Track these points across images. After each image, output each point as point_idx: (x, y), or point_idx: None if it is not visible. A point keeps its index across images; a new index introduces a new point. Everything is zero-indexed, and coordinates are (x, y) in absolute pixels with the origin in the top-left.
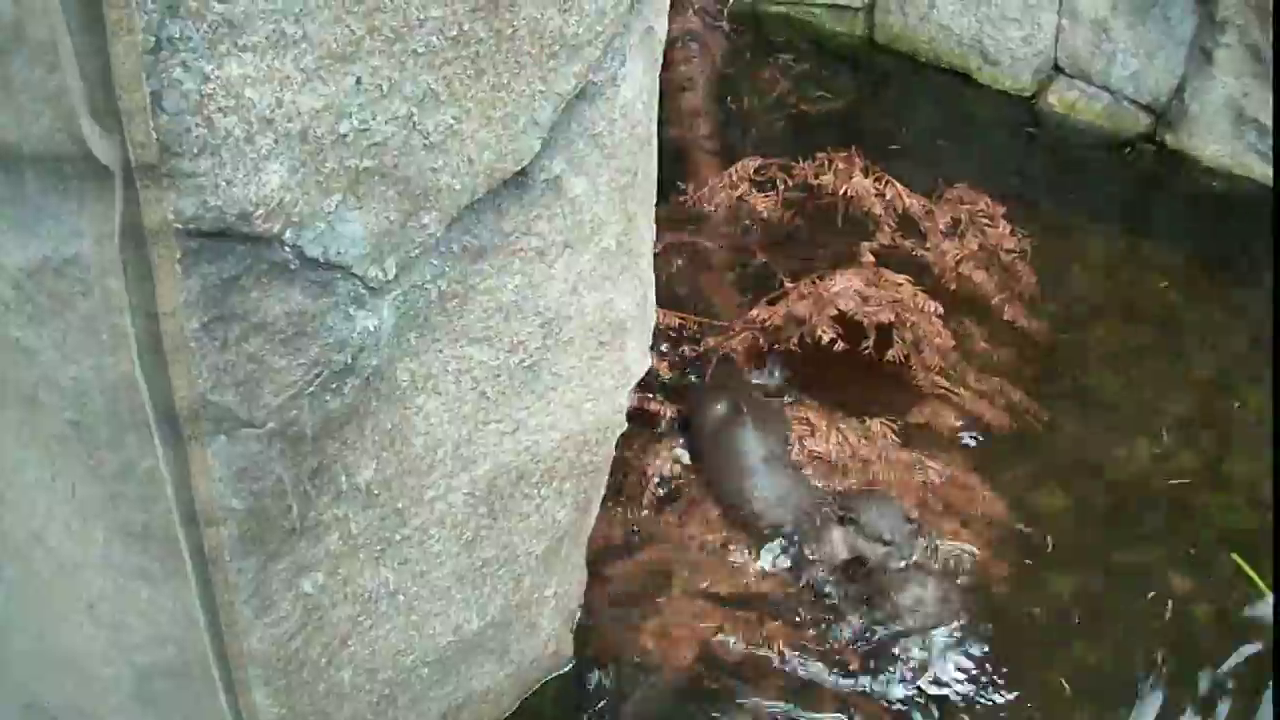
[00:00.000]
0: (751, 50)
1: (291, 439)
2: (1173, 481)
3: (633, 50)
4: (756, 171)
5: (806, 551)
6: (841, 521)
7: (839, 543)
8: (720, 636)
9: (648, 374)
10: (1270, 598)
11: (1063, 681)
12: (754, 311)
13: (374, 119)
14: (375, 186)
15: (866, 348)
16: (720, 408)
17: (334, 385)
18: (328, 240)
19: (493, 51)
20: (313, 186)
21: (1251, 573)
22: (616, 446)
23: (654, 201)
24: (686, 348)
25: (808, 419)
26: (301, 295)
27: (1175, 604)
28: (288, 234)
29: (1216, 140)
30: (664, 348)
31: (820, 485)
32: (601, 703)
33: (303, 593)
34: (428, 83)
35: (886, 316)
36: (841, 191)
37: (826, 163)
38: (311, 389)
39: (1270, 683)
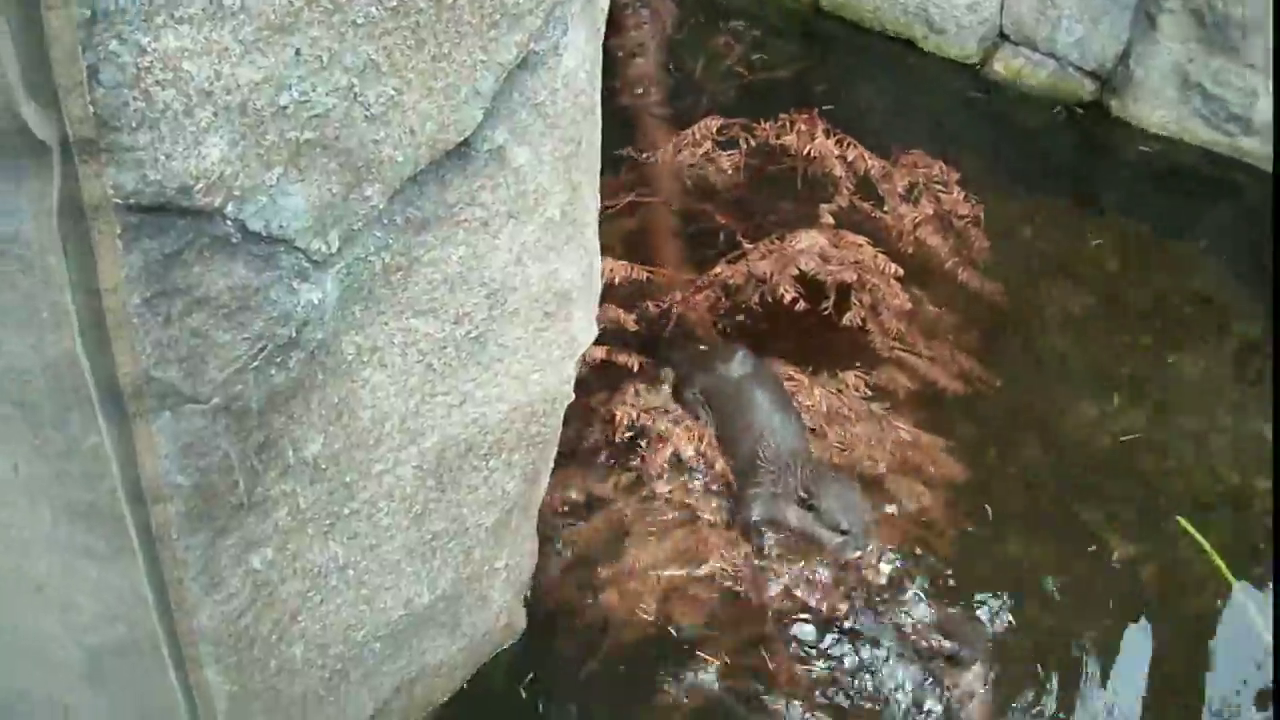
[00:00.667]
0: (702, 16)
1: (237, 414)
2: (1123, 438)
3: (575, 19)
4: (718, 131)
5: (754, 514)
6: (801, 504)
7: (793, 519)
8: (679, 598)
9: (615, 327)
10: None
11: (1015, 641)
12: (716, 269)
13: (314, 91)
14: (317, 159)
15: (826, 308)
16: (738, 364)
17: (279, 359)
18: (270, 213)
19: (433, 21)
20: (253, 159)
21: (1198, 535)
22: (583, 398)
23: (599, 170)
24: (650, 304)
25: (790, 375)
26: (244, 269)
27: (1123, 565)
28: (229, 208)
29: (1162, 106)
30: (629, 302)
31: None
32: (555, 672)
33: (252, 569)
34: (368, 53)
35: (847, 277)
36: (804, 152)
37: (789, 124)
38: (256, 363)
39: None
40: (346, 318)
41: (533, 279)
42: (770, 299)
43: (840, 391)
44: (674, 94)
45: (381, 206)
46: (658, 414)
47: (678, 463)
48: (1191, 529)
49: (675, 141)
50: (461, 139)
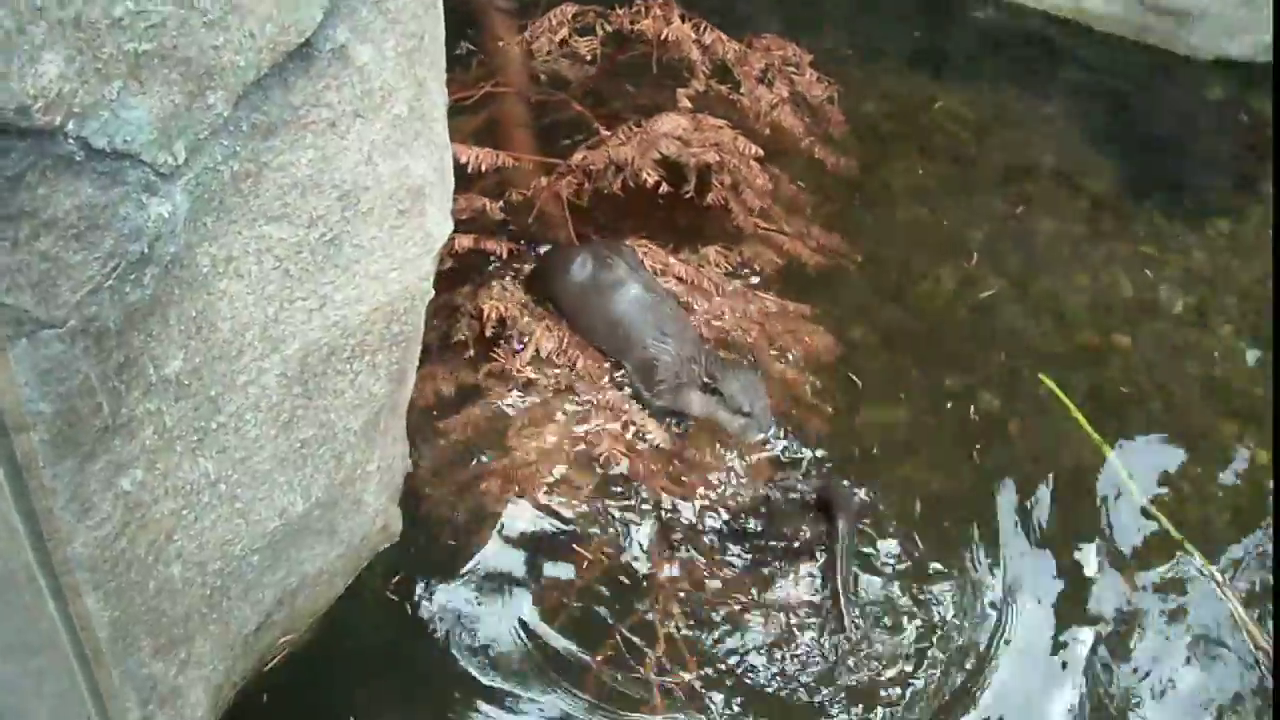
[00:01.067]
0: None
1: (95, 335)
2: (984, 295)
3: None
4: (574, 18)
5: (662, 402)
6: (705, 389)
7: (697, 405)
8: (559, 486)
9: (481, 214)
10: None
11: (889, 500)
12: (577, 156)
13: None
14: (157, 69)
15: (688, 190)
16: (587, 263)
17: (133, 276)
18: (112, 129)
19: None
20: (92, 75)
21: (1060, 393)
22: (451, 291)
23: (444, 65)
24: (514, 192)
25: (652, 252)
26: (91, 187)
27: (989, 423)
28: (70, 125)
29: None
30: (494, 191)
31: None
32: (429, 571)
33: (122, 491)
34: None
35: (708, 159)
36: (661, 36)
37: (644, 9)
38: (110, 282)
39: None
40: (199, 229)
41: (384, 177)
42: (633, 183)
43: (702, 267)
44: None
45: (226, 114)
46: (522, 309)
47: (542, 357)
48: (1054, 386)
49: (531, 29)
50: (303, 40)
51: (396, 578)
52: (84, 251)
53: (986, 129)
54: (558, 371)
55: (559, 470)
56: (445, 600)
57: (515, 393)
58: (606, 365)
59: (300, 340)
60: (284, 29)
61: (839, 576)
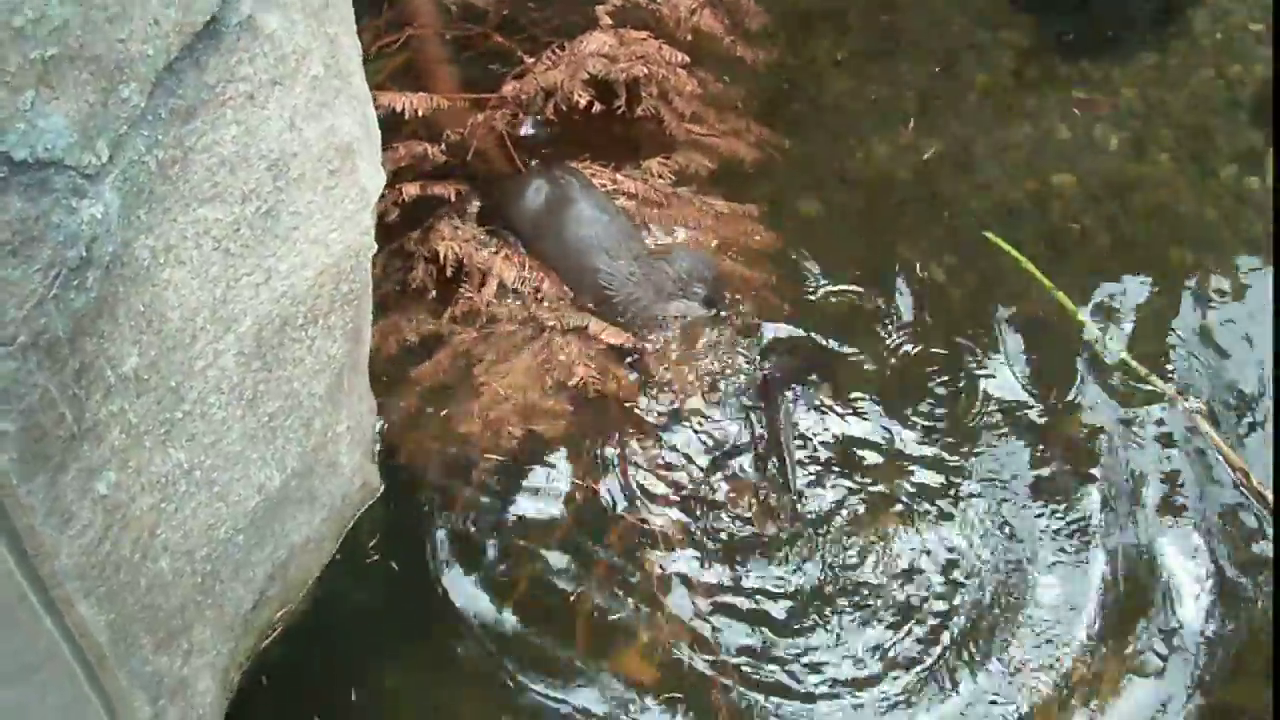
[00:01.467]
0: None
1: (47, 347)
2: (924, 157)
3: None
4: None
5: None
6: (659, 292)
7: (659, 310)
8: (535, 416)
9: (423, 159)
10: None
11: (860, 374)
12: (506, 87)
13: (48, 4)
14: (67, 72)
15: (620, 106)
16: (541, 188)
17: (75, 282)
18: (32, 139)
19: None
20: (2, 89)
21: (1007, 246)
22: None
23: (354, 18)
24: (450, 132)
25: (596, 173)
26: (20, 201)
27: (946, 286)
28: None
29: None
30: (432, 134)
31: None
32: (417, 524)
33: (99, 495)
34: None
35: (638, 71)
36: None
37: None
38: (54, 292)
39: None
40: (134, 224)
41: (311, 140)
42: (565, 106)
43: (647, 180)
44: None
45: (143, 104)
46: (476, 245)
47: (505, 289)
48: (1001, 242)
49: None
50: (208, 17)
51: (377, 537)
52: (23, 266)
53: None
54: (519, 303)
55: (533, 400)
56: (431, 553)
57: (481, 329)
58: (568, 288)
59: (252, 316)
60: (187, 9)
61: (784, 447)
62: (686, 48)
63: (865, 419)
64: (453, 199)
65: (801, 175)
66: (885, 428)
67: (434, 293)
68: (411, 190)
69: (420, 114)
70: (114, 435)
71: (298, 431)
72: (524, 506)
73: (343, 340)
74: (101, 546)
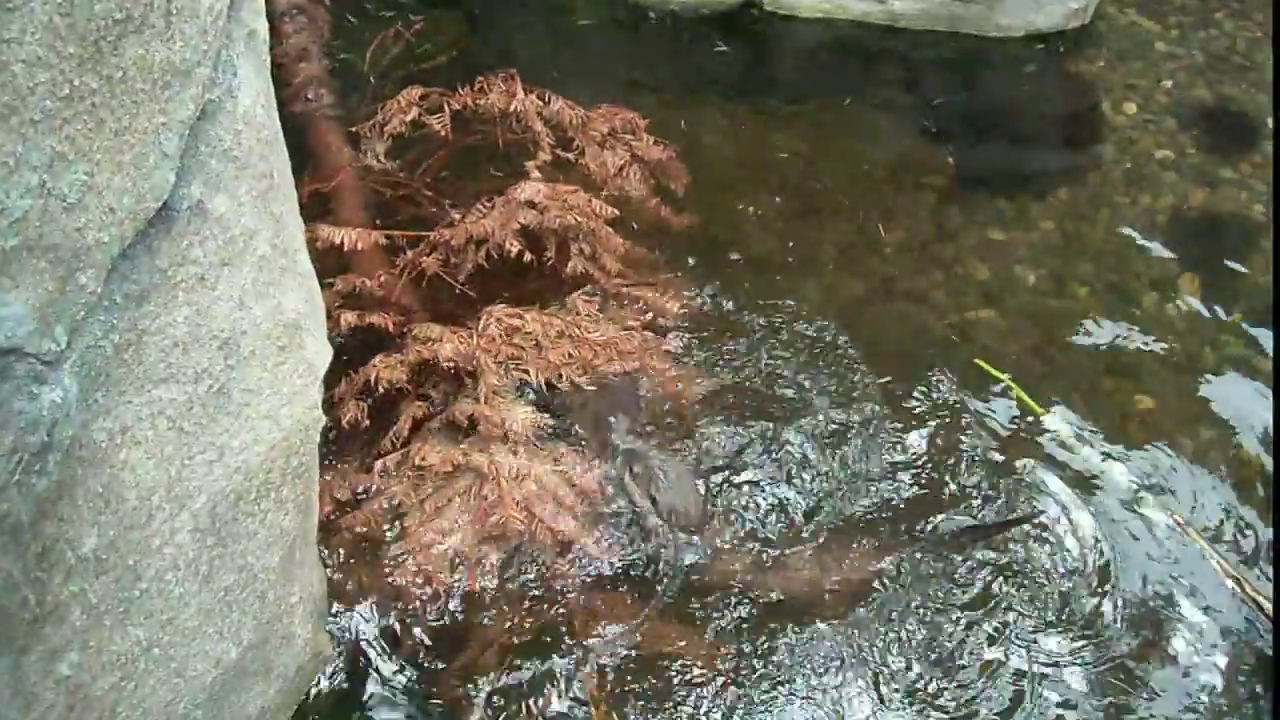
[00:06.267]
0: (353, 13)
1: (10, 531)
2: (886, 286)
3: (241, 58)
4: (421, 98)
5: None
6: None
7: (635, 495)
8: (468, 564)
9: (360, 292)
10: None
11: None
12: (434, 234)
13: (8, 196)
14: (26, 262)
15: (550, 258)
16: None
17: (37, 466)
18: None
19: (108, 99)
20: None
21: (993, 369)
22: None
23: (295, 197)
24: (382, 272)
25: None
26: None
27: (846, 429)
28: None
29: None
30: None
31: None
32: (375, 685)
33: (62, 676)
34: (52, 146)
35: (568, 221)
36: (509, 108)
37: (486, 85)
38: (17, 477)
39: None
40: (91, 407)
41: (259, 318)
42: (496, 255)
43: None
44: (344, 93)
45: (99, 290)
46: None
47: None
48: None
49: (382, 111)
50: (160, 204)
51: (342, 698)
52: None
53: (823, 147)
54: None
55: (467, 548)
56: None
57: (411, 476)
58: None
59: (206, 493)
60: (140, 198)
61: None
62: (612, 205)
63: None
64: (389, 330)
65: (732, 332)
66: None
67: (367, 432)
68: (350, 319)
69: (360, 247)
70: (75, 615)
71: (253, 604)
72: (459, 654)
73: (294, 512)
74: None
